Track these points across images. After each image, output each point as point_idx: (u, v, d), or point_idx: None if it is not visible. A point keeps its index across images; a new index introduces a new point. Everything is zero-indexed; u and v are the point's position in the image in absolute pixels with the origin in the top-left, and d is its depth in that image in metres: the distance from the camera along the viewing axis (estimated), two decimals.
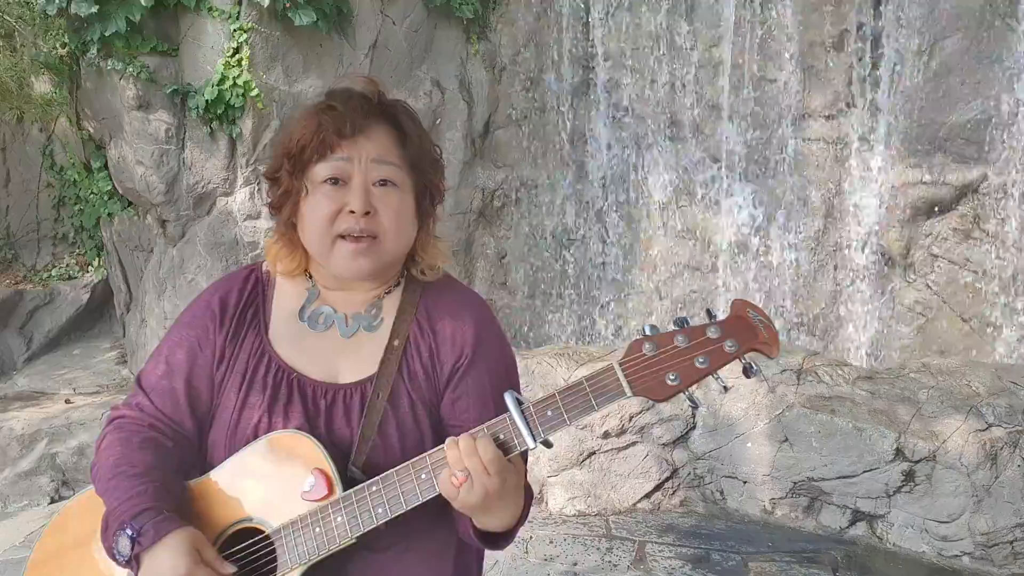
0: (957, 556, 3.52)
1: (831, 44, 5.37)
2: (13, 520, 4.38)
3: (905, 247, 5.36)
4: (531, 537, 3.73)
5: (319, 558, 1.21)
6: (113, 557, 1.23)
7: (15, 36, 5.69)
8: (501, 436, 1.17)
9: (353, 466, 1.25)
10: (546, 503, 4.05)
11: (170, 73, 5.02)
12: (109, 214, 5.82)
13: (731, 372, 1.20)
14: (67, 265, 6.51)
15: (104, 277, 6.34)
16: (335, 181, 1.26)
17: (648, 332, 1.17)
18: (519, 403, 1.18)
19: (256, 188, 5.17)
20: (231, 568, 1.22)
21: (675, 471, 3.98)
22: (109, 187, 5.76)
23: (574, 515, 3.95)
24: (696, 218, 5.85)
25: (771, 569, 3.44)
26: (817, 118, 5.50)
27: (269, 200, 1.36)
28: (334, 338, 1.33)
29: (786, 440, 3.79)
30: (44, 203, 6.58)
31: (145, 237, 5.64)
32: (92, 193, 5.95)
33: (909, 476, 3.59)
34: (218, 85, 4.83)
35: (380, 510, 1.19)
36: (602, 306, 6.13)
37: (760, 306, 1.23)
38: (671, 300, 5.94)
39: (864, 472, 3.64)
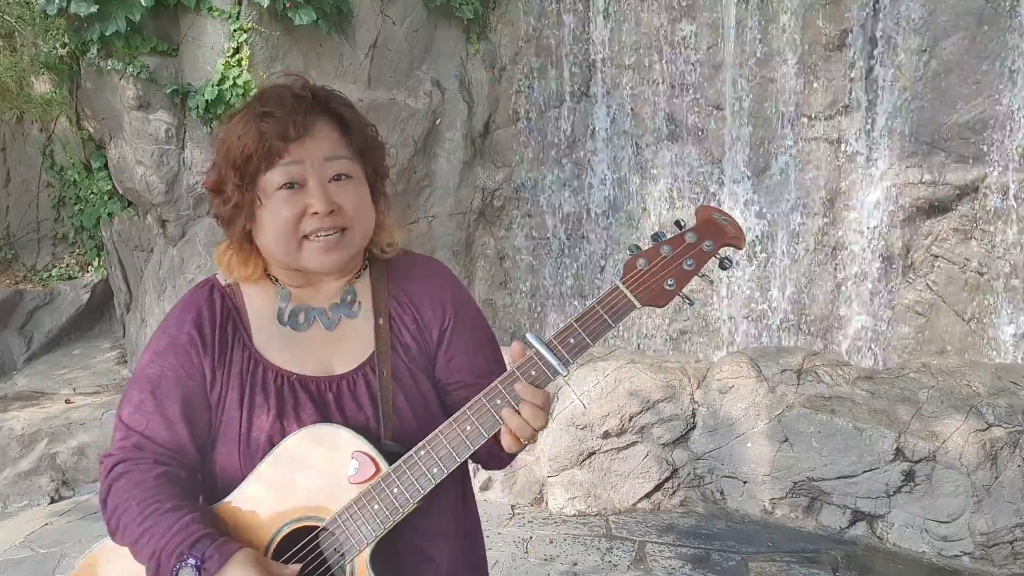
0: (957, 556, 3.52)
1: (831, 44, 5.37)
2: (13, 520, 4.39)
3: (905, 247, 5.36)
4: (531, 537, 3.73)
5: (385, 531, 1.25)
6: None
7: (15, 36, 5.70)
8: (533, 372, 1.24)
9: (385, 440, 1.30)
10: (546, 503, 4.05)
11: (170, 73, 5.02)
12: (109, 214, 5.82)
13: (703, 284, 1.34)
14: (67, 265, 6.51)
15: (104, 277, 6.35)
16: (290, 185, 1.27)
17: (634, 251, 1.28)
18: (541, 340, 1.25)
19: None
20: (295, 568, 1.24)
21: (675, 471, 3.98)
22: (109, 187, 5.76)
23: (574, 515, 3.95)
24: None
25: (771, 569, 3.44)
26: (817, 118, 5.50)
27: (215, 213, 1.34)
28: (319, 333, 1.36)
29: (786, 440, 3.79)
30: (44, 203, 6.58)
31: (145, 237, 5.64)
32: (92, 193, 5.95)
33: (909, 476, 3.59)
34: (218, 85, 4.83)
35: (435, 470, 1.24)
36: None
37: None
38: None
39: (864, 472, 3.64)
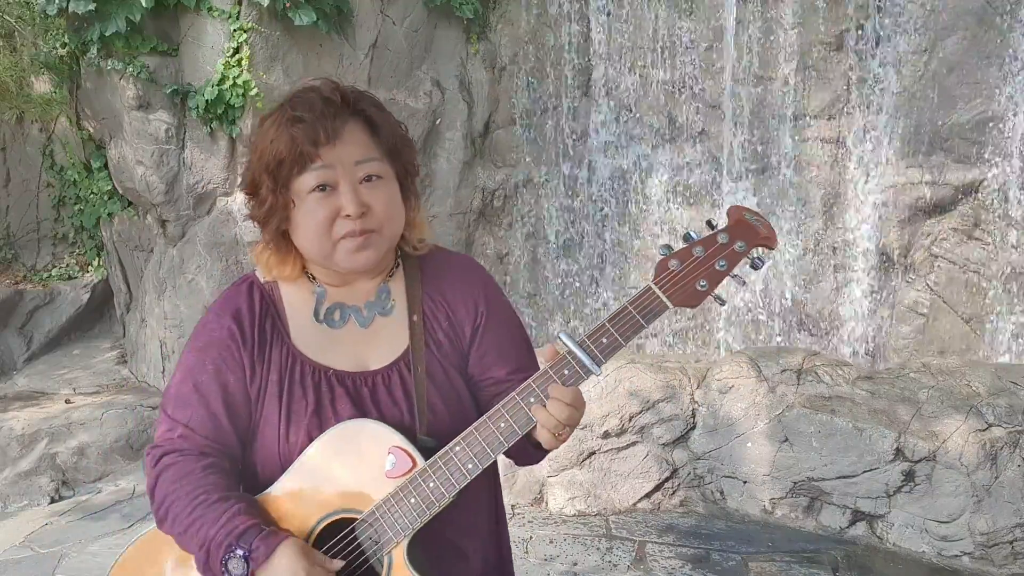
0: (957, 556, 3.52)
1: (831, 44, 5.37)
2: (13, 520, 4.38)
3: (905, 247, 5.36)
4: (531, 537, 3.73)
5: (421, 524, 1.28)
6: None
7: (15, 36, 5.69)
8: (566, 371, 1.27)
9: (420, 435, 1.32)
10: (546, 503, 4.05)
11: (170, 73, 5.02)
12: (109, 214, 5.82)
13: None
14: (67, 265, 6.51)
15: (104, 277, 6.35)
16: (322, 188, 1.29)
17: (666, 252, 1.29)
18: (574, 339, 1.27)
19: None
20: (338, 563, 1.27)
21: (675, 471, 3.98)
22: (109, 187, 5.76)
23: (574, 515, 3.95)
24: (696, 218, 5.85)
25: (771, 569, 3.44)
26: (817, 118, 5.49)
27: (250, 215, 1.38)
28: (354, 330, 1.39)
29: (786, 440, 3.79)
30: (44, 203, 6.58)
31: (145, 237, 5.64)
32: (92, 193, 5.95)
33: (909, 476, 3.59)
34: (218, 85, 4.83)
35: (470, 465, 1.27)
36: (603, 305, 6.13)
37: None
38: None
39: (864, 472, 3.64)
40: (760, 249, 1.31)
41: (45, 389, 5.54)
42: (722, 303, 1.33)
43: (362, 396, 1.34)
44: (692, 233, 1.30)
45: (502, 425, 1.27)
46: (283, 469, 1.32)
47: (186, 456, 1.33)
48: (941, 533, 3.55)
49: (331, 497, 1.30)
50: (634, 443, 3.98)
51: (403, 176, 1.38)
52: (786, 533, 3.73)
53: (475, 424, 1.28)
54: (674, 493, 3.99)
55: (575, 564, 3.50)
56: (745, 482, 3.88)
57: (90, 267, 6.46)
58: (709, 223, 1.31)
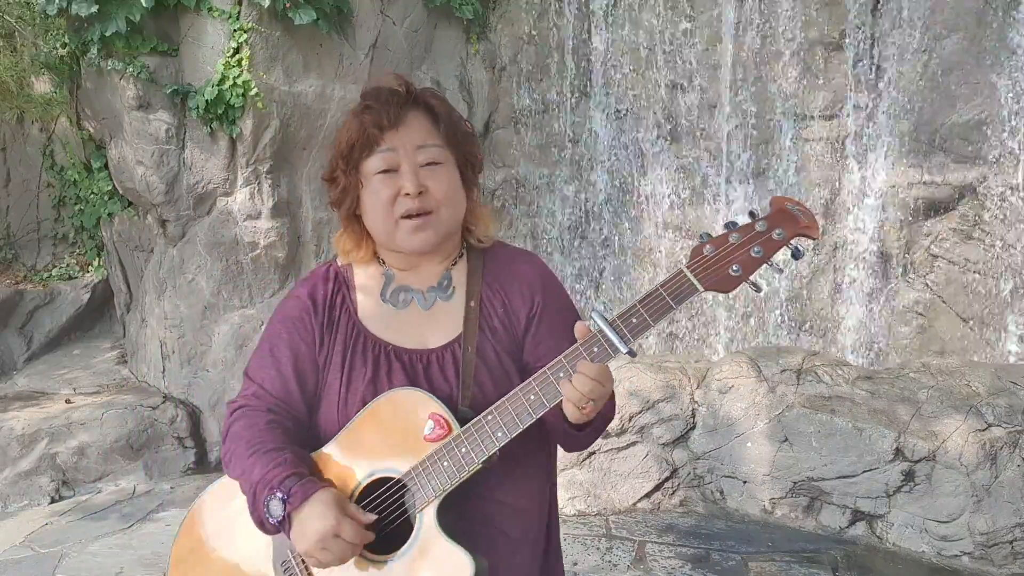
0: (957, 556, 3.52)
1: (831, 44, 5.37)
2: (13, 520, 4.39)
3: (905, 247, 5.36)
4: None
5: (452, 487, 1.36)
6: (262, 524, 1.38)
7: (15, 36, 5.69)
8: (595, 349, 1.32)
9: (461, 407, 1.42)
10: None
11: (170, 73, 5.02)
12: (109, 214, 5.82)
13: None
14: (67, 265, 6.51)
15: (104, 277, 6.35)
16: (386, 171, 1.42)
17: (705, 239, 1.31)
18: (605, 319, 1.32)
19: (256, 188, 5.17)
20: (372, 516, 1.37)
21: (675, 471, 3.98)
22: (109, 187, 5.76)
23: (574, 515, 3.95)
24: (696, 218, 5.85)
25: (771, 569, 3.44)
26: (817, 118, 5.50)
27: (329, 201, 1.53)
28: (416, 312, 1.50)
29: (786, 440, 3.80)
30: (44, 203, 6.58)
31: (145, 237, 5.64)
32: (92, 193, 5.95)
33: (909, 476, 3.59)
34: (218, 85, 4.83)
35: (499, 433, 1.35)
36: (603, 305, 6.13)
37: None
38: None
39: (864, 472, 3.65)
40: (802, 239, 1.31)
41: (45, 389, 5.54)
42: (757, 290, 1.34)
43: (416, 371, 1.45)
44: (733, 222, 1.32)
45: (531, 397, 1.34)
46: (339, 430, 1.44)
47: (255, 411, 1.47)
48: (941, 533, 3.55)
49: (375, 457, 1.41)
50: (634, 443, 3.98)
51: (463, 165, 1.49)
52: (786, 533, 3.73)
53: (507, 396, 1.36)
54: (674, 493, 3.99)
55: (575, 564, 3.50)
56: (745, 482, 3.88)
57: (90, 267, 6.46)
58: (751, 213, 1.31)
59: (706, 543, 3.64)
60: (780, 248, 1.30)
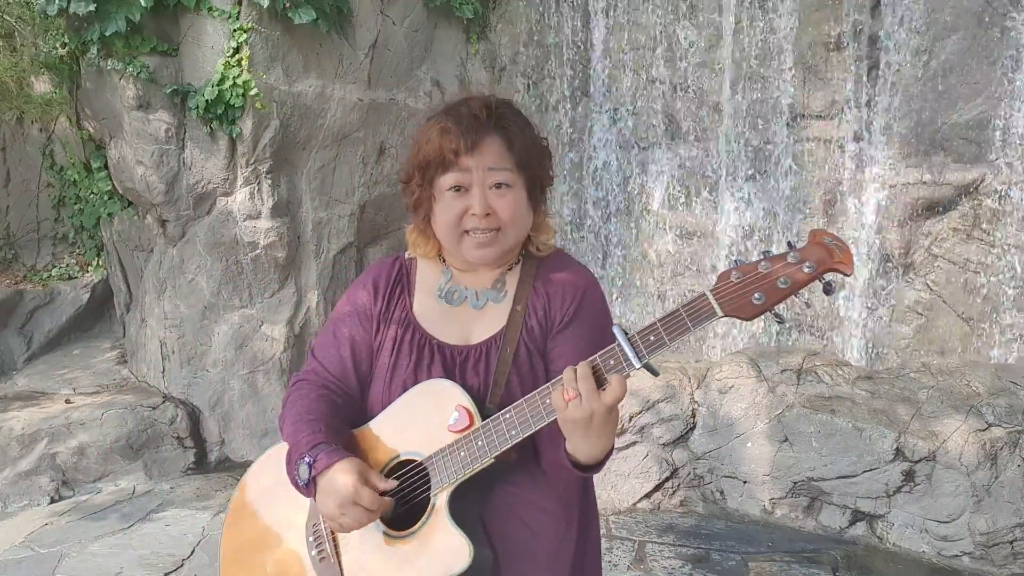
0: (957, 556, 3.52)
1: (831, 44, 5.37)
2: (13, 520, 4.38)
3: (905, 247, 5.36)
4: None
5: (465, 476, 1.44)
6: (296, 484, 1.50)
7: (15, 36, 5.69)
8: (612, 361, 1.36)
9: (489, 404, 1.50)
10: None
11: (170, 73, 5.02)
12: (109, 214, 5.81)
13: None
14: (67, 265, 6.51)
15: (104, 277, 6.34)
16: (458, 188, 1.52)
17: (735, 264, 1.33)
18: (625, 333, 1.36)
19: (256, 188, 5.17)
20: (391, 482, 1.46)
21: (675, 471, 3.98)
22: (109, 187, 5.75)
23: None
24: (696, 218, 5.85)
25: (771, 569, 3.44)
26: (817, 118, 5.49)
27: (404, 202, 1.64)
28: (467, 310, 1.60)
29: (786, 440, 3.79)
30: (44, 203, 6.58)
31: (145, 237, 5.64)
32: (92, 193, 5.95)
33: (909, 476, 3.59)
34: (218, 85, 4.82)
35: (513, 432, 1.41)
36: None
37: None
38: (672, 300, 5.94)
39: (864, 472, 3.65)
40: (835, 273, 1.31)
41: (45, 389, 5.53)
42: (780, 321, 1.37)
43: (455, 365, 1.55)
44: (768, 251, 1.34)
45: (547, 401, 1.39)
46: (381, 412, 1.56)
47: (310, 385, 1.62)
48: (941, 533, 3.55)
49: (405, 439, 1.52)
50: (634, 443, 3.98)
51: (531, 186, 1.57)
52: (786, 533, 3.73)
53: (526, 397, 1.42)
54: (674, 493, 3.99)
55: None
56: (745, 482, 3.88)
57: (90, 267, 6.46)
58: (789, 243, 1.32)
59: (706, 543, 3.64)
60: (809, 282, 1.30)
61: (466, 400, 1.47)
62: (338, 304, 1.71)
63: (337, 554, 1.54)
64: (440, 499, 1.46)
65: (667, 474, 3.97)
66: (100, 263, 6.39)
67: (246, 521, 1.69)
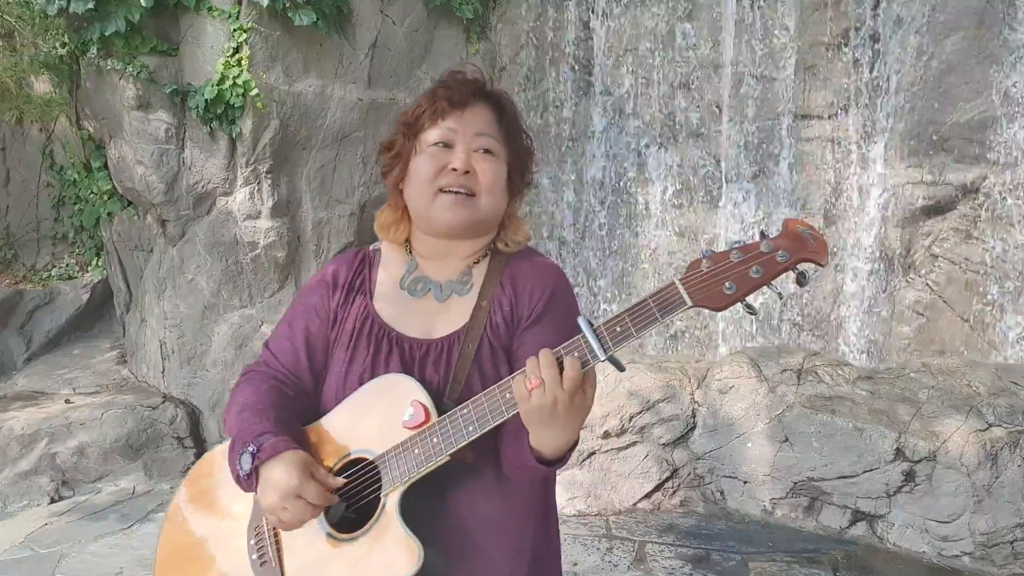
0: (957, 556, 3.52)
1: (831, 44, 5.37)
2: (13, 520, 4.38)
3: (905, 247, 5.36)
4: None
5: (419, 475, 1.36)
6: (237, 476, 1.42)
7: (15, 36, 5.69)
8: (576, 353, 1.29)
9: (447, 400, 1.42)
10: None
11: (170, 73, 5.02)
12: (109, 214, 5.81)
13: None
14: (67, 265, 6.51)
15: (104, 277, 6.34)
16: (442, 145, 1.48)
17: (705, 254, 1.27)
18: (590, 324, 1.29)
19: (256, 188, 5.17)
20: (339, 480, 1.40)
21: (675, 471, 3.98)
22: (109, 187, 5.75)
23: (574, 515, 3.95)
24: (696, 218, 5.85)
25: (771, 569, 3.44)
26: (817, 118, 5.49)
27: (382, 170, 1.60)
28: (430, 302, 1.53)
29: (786, 440, 3.79)
30: (44, 203, 6.58)
31: (145, 237, 5.64)
32: (92, 193, 5.95)
33: (909, 476, 3.59)
34: (218, 85, 4.82)
35: (471, 428, 1.34)
36: (603, 305, 6.13)
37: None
38: None
39: (864, 472, 3.64)
40: (808, 264, 1.26)
41: (45, 389, 5.53)
42: (752, 312, 1.29)
43: (414, 359, 1.47)
44: (741, 240, 1.29)
45: (507, 396, 1.32)
46: (335, 407, 1.49)
47: (262, 375, 1.56)
48: (941, 533, 3.55)
49: (357, 436, 1.44)
50: (634, 443, 3.97)
51: (513, 167, 1.54)
52: (786, 533, 3.73)
53: (485, 391, 1.35)
54: (674, 493, 3.99)
55: (575, 564, 3.49)
56: (745, 482, 3.88)
57: (90, 267, 6.46)
58: (762, 232, 1.28)
59: (706, 543, 3.64)
60: (783, 272, 1.25)
61: (422, 395, 1.40)
62: (297, 296, 1.65)
63: (280, 557, 1.45)
64: (391, 499, 1.38)
65: (667, 474, 3.97)
66: (100, 263, 6.39)
67: (184, 526, 1.60)
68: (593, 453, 3.98)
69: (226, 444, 1.54)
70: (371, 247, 1.63)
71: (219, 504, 1.56)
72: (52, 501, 4.60)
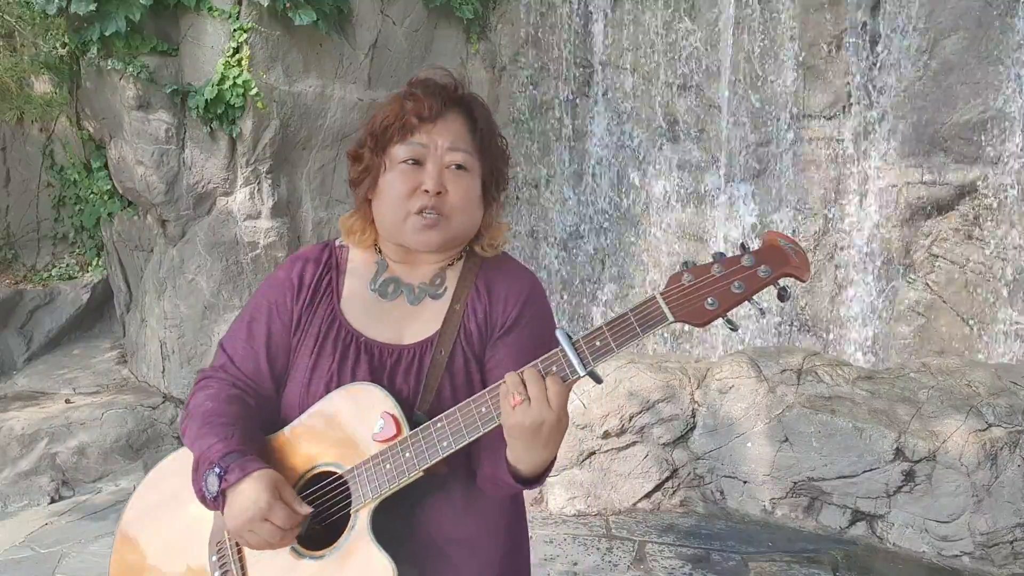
0: (957, 556, 3.52)
1: (831, 44, 5.37)
2: (13, 520, 4.38)
3: (905, 247, 5.36)
4: (531, 537, 3.73)
5: (391, 491, 1.31)
6: (202, 497, 1.34)
7: (15, 36, 5.69)
8: (554, 368, 1.25)
9: (417, 411, 1.37)
10: (546, 503, 4.05)
11: (170, 73, 5.02)
12: (109, 214, 5.82)
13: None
14: (67, 265, 6.51)
15: (104, 277, 6.34)
16: (413, 162, 1.40)
17: (686, 267, 1.24)
18: (569, 337, 1.25)
19: (256, 188, 5.17)
20: (307, 508, 1.32)
21: (675, 471, 3.98)
22: (109, 187, 5.76)
23: (574, 515, 3.95)
24: (696, 218, 5.85)
25: (771, 569, 3.44)
26: (817, 118, 5.50)
27: (349, 179, 1.50)
28: (402, 305, 1.46)
29: (786, 440, 3.79)
30: (44, 203, 6.58)
31: (145, 237, 5.64)
32: (92, 193, 5.95)
33: (909, 476, 3.59)
34: (218, 85, 4.83)
35: (445, 443, 1.29)
36: (603, 305, 6.13)
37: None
38: None
39: (864, 472, 3.64)
40: (789, 279, 1.24)
41: (45, 389, 5.54)
42: (733, 328, 1.27)
43: (383, 366, 1.40)
44: (721, 253, 1.26)
45: (483, 410, 1.28)
46: (298, 416, 1.41)
47: (220, 383, 1.45)
48: (941, 533, 3.55)
49: (325, 448, 1.37)
50: (634, 443, 3.98)
51: (488, 178, 1.46)
52: (786, 533, 3.73)
53: (459, 405, 1.30)
54: (674, 493, 3.99)
55: (575, 564, 3.49)
56: (745, 482, 3.88)
57: (90, 267, 6.46)
58: (743, 245, 1.25)
59: (706, 543, 3.64)
60: (764, 287, 1.22)
61: (393, 407, 1.33)
62: (256, 292, 1.53)
63: (243, 573, 1.40)
64: (361, 516, 1.32)
65: (667, 474, 3.97)
66: (100, 263, 6.39)
67: (139, 540, 1.50)
68: (593, 453, 3.98)
69: (178, 454, 1.49)
70: (337, 242, 1.54)
71: (176, 519, 1.47)
72: (52, 501, 4.60)
